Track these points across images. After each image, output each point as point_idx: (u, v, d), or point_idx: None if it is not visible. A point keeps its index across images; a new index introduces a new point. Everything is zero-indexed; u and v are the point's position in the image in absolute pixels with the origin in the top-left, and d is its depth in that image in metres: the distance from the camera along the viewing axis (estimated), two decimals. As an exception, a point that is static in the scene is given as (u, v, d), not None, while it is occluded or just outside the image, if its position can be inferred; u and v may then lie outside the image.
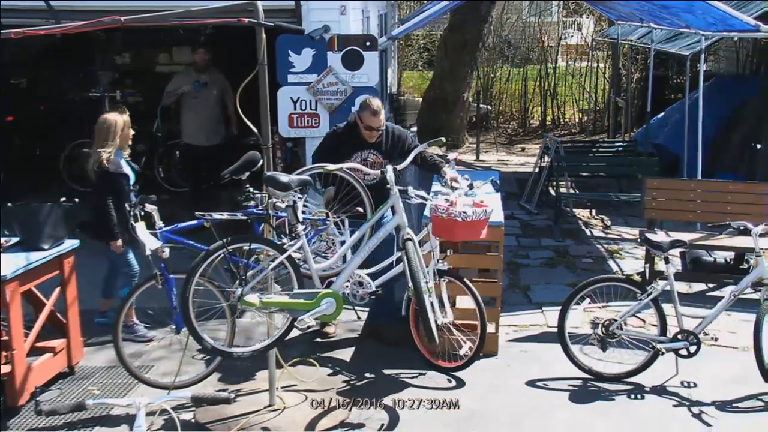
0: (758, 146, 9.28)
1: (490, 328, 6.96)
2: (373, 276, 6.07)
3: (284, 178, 5.55)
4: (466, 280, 6.46)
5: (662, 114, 14.68)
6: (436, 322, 5.84)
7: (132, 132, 7.20)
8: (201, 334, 5.44)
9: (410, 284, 5.68)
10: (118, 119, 7.08)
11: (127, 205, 6.10)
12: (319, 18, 8.54)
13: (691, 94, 11.72)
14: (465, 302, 7.07)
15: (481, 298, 6.38)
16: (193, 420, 5.75)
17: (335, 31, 8.43)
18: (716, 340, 6.55)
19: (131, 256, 7.11)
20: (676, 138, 12.84)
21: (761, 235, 6.57)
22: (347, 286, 5.97)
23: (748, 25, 9.76)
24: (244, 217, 5.92)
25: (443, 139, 6.58)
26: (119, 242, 6.91)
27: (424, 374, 6.56)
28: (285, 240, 5.74)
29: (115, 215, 6.85)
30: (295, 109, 8.46)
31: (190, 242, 6.11)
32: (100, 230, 6.96)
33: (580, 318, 7.41)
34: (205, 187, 10.12)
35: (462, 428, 5.77)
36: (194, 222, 5.97)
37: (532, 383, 6.43)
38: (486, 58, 20.39)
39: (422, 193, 6.21)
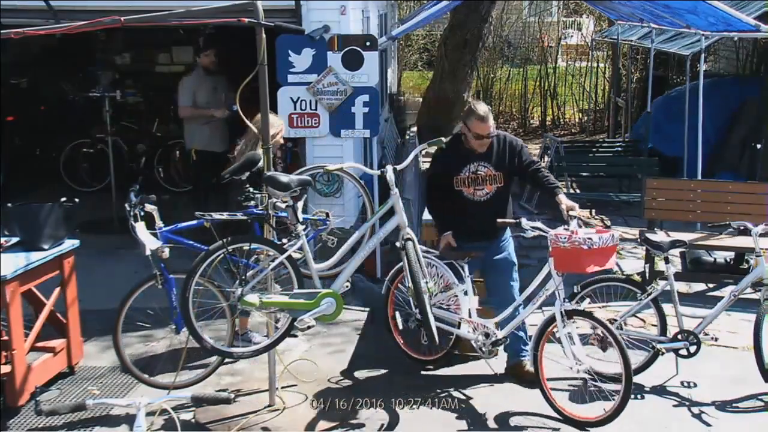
0: (758, 146, 9.28)
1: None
2: (500, 325, 6.06)
3: (284, 178, 5.55)
4: (604, 322, 5.87)
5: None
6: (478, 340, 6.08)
7: (281, 140, 7.13)
8: (201, 334, 5.44)
9: (409, 284, 5.67)
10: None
11: (126, 205, 6.07)
12: (319, 18, 8.54)
13: (689, 86, 11.72)
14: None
15: (626, 348, 5.72)
16: (193, 420, 5.75)
17: (335, 31, 8.43)
18: (716, 340, 6.56)
19: None
20: (664, 138, 12.87)
21: (761, 235, 6.57)
22: (476, 340, 5.98)
23: (749, 25, 9.77)
24: (245, 217, 5.92)
25: (443, 139, 6.57)
26: None
27: (425, 375, 6.56)
28: (285, 240, 5.74)
29: None
30: (295, 109, 8.46)
31: (190, 242, 6.11)
32: None
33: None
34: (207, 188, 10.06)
35: (462, 428, 5.78)
36: (194, 222, 5.97)
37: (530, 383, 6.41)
38: (486, 58, 20.39)
39: (538, 224, 5.95)
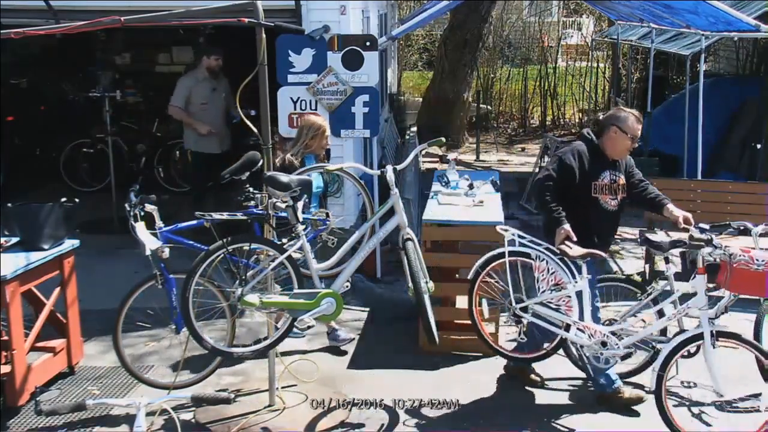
0: (758, 146, 9.29)
1: (491, 328, 6.96)
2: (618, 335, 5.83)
3: (284, 178, 5.55)
4: (755, 343, 5.65)
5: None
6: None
7: (328, 143, 7.15)
8: (201, 334, 5.43)
9: (410, 284, 5.67)
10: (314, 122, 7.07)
11: (126, 205, 6.06)
12: (319, 18, 8.54)
13: (690, 89, 11.72)
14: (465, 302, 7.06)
15: None
16: (193, 420, 5.75)
17: (335, 31, 8.43)
18: (717, 339, 6.54)
19: None
20: (655, 131, 12.87)
21: (761, 235, 6.57)
22: (590, 347, 5.79)
23: (749, 25, 9.78)
24: (244, 217, 5.92)
25: (443, 139, 6.58)
26: None
27: (425, 374, 6.56)
28: (285, 240, 5.74)
29: None
30: (295, 109, 8.46)
31: (190, 242, 6.11)
32: None
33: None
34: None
35: (462, 428, 5.77)
36: (194, 222, 5.97)
37: (532, 385, 6.43)
38: (486, 58, 20.40)
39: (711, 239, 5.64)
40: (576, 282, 5.85)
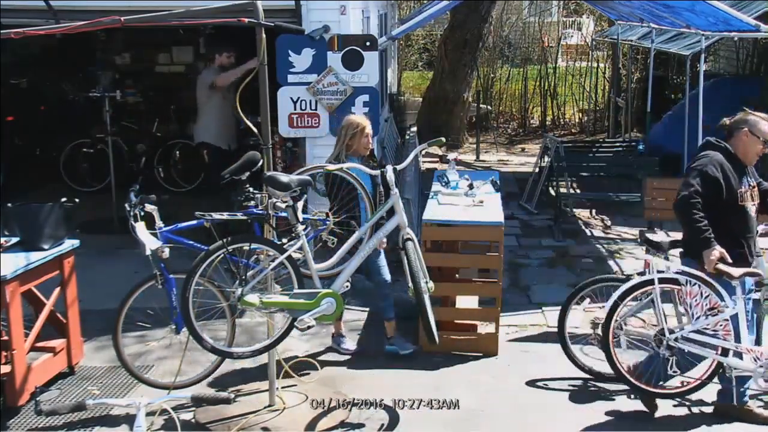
0: (758, 146, 9.28)
1: (490, 327, 6.97)
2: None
3: (284, 178, 5.54)
4: None
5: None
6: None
7: (371, 142, 6.96)
8: (201, 334, 5.43)
9: (410, 284, 5.67)
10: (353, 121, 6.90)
11: (126, 205, 6.05)
12: (319, 18, 8.54)
13: (690, 94, 11.73)
14: (465, 302, 7.09)
15: None
16: (193, 420, 5.75)
17: (335, 31, 8.43)
18: (714, 338, 6.54)
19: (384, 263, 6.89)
20: (669, 136, 12.87)
21: (761, 235, 6.56)
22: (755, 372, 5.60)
23: (749, 25, 9.76)
24: (245, 218, 5.91)
25: (443, 139, 6.57)
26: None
27: (425, 374, 6.56)
28: (285, 240, 5.73)
29: None
30: (295, 109, 8.46)
31: (190, 242, 6.10)
32: None
33: (581, 318, 7.38)
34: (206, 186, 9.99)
35: (462, 428, 5.78)
36: (194, 222, 5.96)
37: (532, 383, 6.44)
38: (486, 58, 20.40)
39: None
40: (733, 304, 5.71)
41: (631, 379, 5.98)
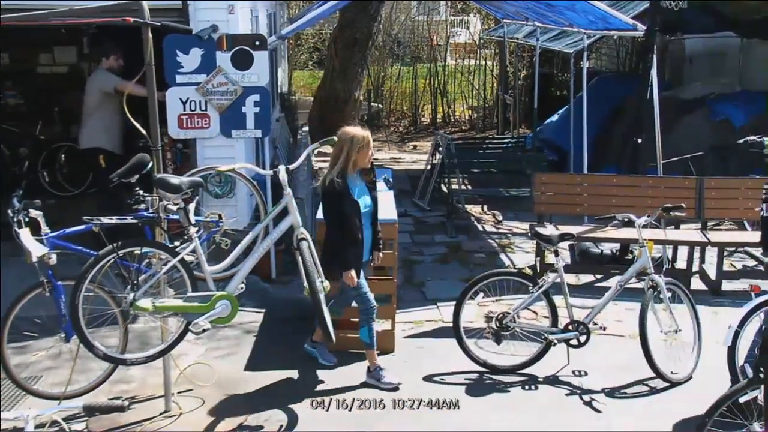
0: (639, 140, 9.60)
1: (386, 325, 7.01)
2: None
3: (175, 180, 5.46)
4: None
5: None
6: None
7: (372, 153, 6.49)
8: (92, 341, 5.29)
9: (305, 284, 5.66)
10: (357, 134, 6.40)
11: (9, 211, 5.84)
12: (207, 17, 8.42)
13: (577, 94, 12.04)
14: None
15: None
16: (85, 430, 5.59)
17: (224, 31, 8.32)
18: (604, 329, 6.78)
19: (367, 289, 6.46)
20: (562, 133, 13.21)
21: (644, 227, 6.82)
22: None
23: (627, 24, 10.10)
24: (135, 221, 5.80)
25: (335, 138, 6.58)
26: (352, 272, 6.23)
27: (322, 373, 6.57)
28: (177, 243, 5.65)
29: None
30: (184, 110, 8.30)
31: (79, 248, 5.95)
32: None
33: (475, 312, 7.53)
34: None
35: (363, 425, 5.80)
36: (82, 227, 5.81)
37: (429, 378, 6.51)
38: (376, 57, 20.48)
39: None
40: None
41: None
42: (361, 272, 6.37)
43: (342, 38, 16.92)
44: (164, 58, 8.09)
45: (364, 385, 6.38)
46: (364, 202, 6.34)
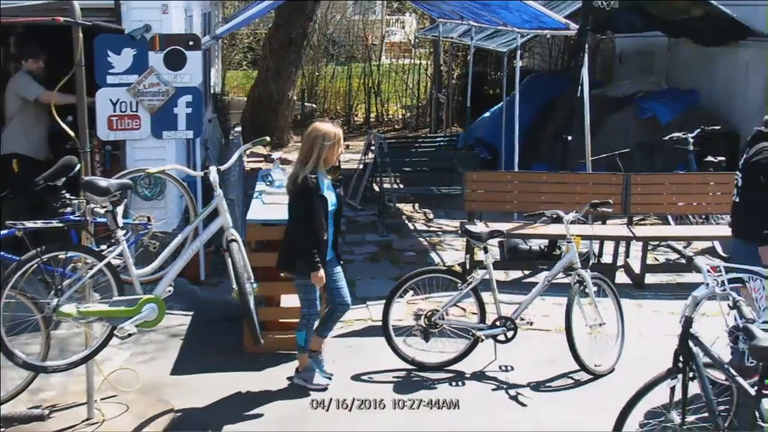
0: (569, 138, 9.78)
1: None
2: None
3: (103, 182, 5.43)
4: None
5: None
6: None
7: (341, 150, 6.34)
8: (12, 349, 5.17)
9: (234, 286, 5.67)
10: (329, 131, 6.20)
11: None
12: (140, 17, 8.35)
13: (510, 93, 12.21)
14: (290, 300, 7.13)
15: None
16: (5, 441, 5.50)
17: (157, 31, 8.26)
18: (532, 324, 6.94)
19: (317, 296, 6.35)
20: (494, 131, 13.38)
21: (572, 223, 6.96)
22: None
23: (560, 23, 10.27)
24: (61, 225, 5.74)
25: (268, 138, 6.59)
26: (321, 273, 6.15)
27: (250, 375, 6.55)
28: (104, 246, 5.61)
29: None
30: (114, 111, 8.21)
31: (0, 253, 5.86)
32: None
33: (404, 310, 7.60)
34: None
35: (293, 427, 5.83)
36: (5, 231, 5.73)
37: (357, 377, 6.54)
38: (311, 57, 20.47)
39: None
40: None
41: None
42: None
43: (277, 38, 16.91)
44: (95, 58, 8.01)
45: (292, 385, 6.39)
46: (331, 199, 6.28)
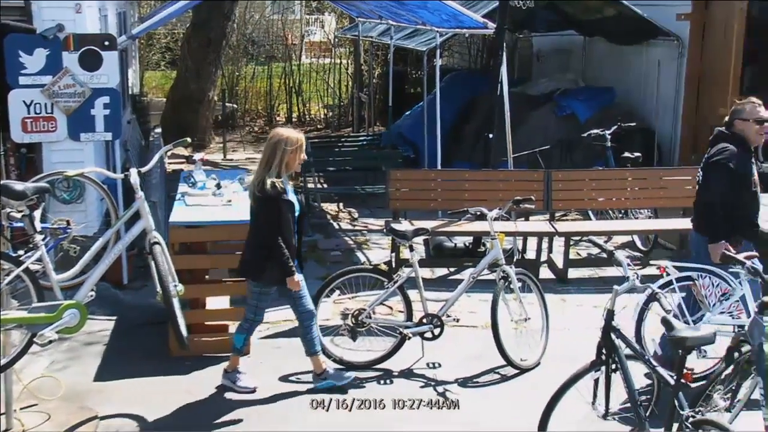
0: (490, 136, 9.88)
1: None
2: None
3: (19, 186, 5.31)
4: None
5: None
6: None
7: (304, 156, 6.19)
8: None
9: (158, 289, 5.58)
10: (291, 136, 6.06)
11: None
12: (52, 16, 8.16)
13: (432, 92, 12.29)
14: (216, 303, 7.06)
15: None
16: None
17: (70, 30, 8.09)
18: (458, 321, 6.98)
19: (265, 305, 6.32)
20: (417, 130, 13.45)
21: (496, 220, 7.04)
22: None
23: (478, 22, 10.37)
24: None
25: (189, 140, 6.52)
26: (296, 277, 6.08)
27: (176, 379, 6.47)
28: (22, 252, 5.47)
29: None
30: (29, 113, 8.02)
31: None
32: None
33: (331, 310, 7.59)
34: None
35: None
36: None
37: (285, 379, 6.50)
38: (231, 57, 20.29)
39: None
40: (740, 287, 5.94)
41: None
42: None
43: (195, 38, 16.73)
44: (5, 58, 7.80)
45: (221, 387, 6.32)
46: (296, 204, 6.21)
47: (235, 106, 20.02)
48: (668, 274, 6.04)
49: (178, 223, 6.91)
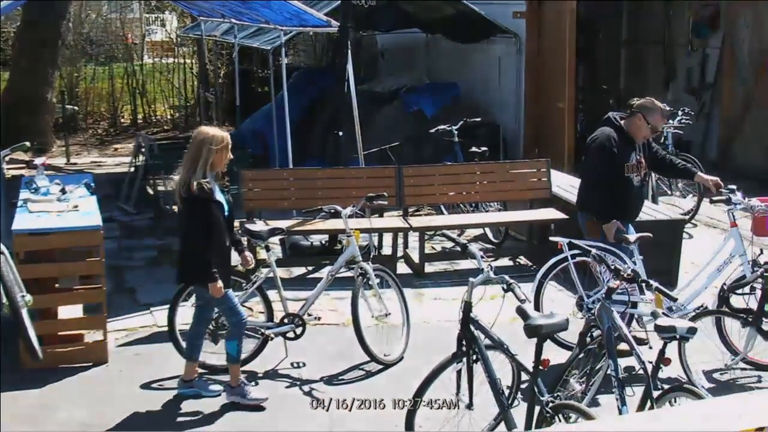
0: (340, 134, 9.93)
1: (98, 335, 6.76)
2: None
3: None
4: None
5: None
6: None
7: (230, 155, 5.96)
8: None
9: (4, 300, 5.33)
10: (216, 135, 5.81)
11: None
12: None
13: (280, 90, 12.24)
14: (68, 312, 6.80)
15: None
16: None
17: None
18: (319, 319, 6.99)
19: (236, 301, 6.05)
20: (266, 128, 13.37)
21: (350, 217, 7.08)
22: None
23: (321, 20, 10.39)
24: None
25: (28, 144, 6.24)
26: (219, 283, 5.77)
27: (31, 394, 6.18)
28: None
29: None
30: None
31: None
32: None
33: (190, 314, 7.41)
34: None
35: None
36: None
37: (147, 386, 6.34)
38: (68, 57, 19.55)
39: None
40: (634, 264, 6.22)
41: None
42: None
43: (28, 37, 16.04)
44: None
45: (227, 406, 6.02)
46: (224, 205, 6.02)
47: (75, 108, 19.29)
48: (563, 251, 6.47)
49: (22, 230, 6.60)
